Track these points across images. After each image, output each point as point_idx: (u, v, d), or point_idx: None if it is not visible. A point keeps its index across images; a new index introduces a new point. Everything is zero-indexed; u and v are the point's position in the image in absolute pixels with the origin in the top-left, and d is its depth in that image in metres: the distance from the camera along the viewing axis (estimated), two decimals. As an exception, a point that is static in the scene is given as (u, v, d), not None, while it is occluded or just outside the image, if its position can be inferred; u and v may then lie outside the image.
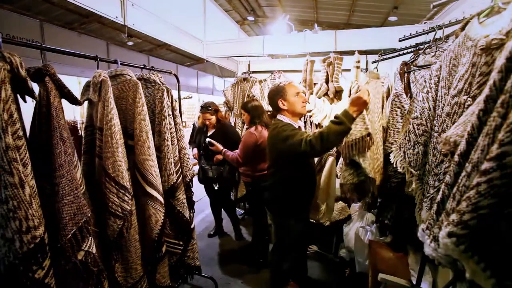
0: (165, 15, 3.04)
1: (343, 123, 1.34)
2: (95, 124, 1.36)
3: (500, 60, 0.56)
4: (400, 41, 1.73)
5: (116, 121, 1.29)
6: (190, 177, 1.75)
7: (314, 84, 2.81)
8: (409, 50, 1.78)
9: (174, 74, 1.99)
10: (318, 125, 2.91)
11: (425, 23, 2.24)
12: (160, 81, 1.58)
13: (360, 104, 1.36)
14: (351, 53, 3.00)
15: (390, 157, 1.24)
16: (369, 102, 1.40)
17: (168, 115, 1.56)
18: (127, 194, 1.30)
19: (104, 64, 1.47)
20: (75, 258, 1.03)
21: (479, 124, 0.59)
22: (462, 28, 0.96)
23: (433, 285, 1.33)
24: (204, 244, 2.81)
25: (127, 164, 1.36)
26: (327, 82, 2.58)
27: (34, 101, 1.02)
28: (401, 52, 1.82)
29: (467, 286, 0.70)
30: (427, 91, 1.06)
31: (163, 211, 1.47)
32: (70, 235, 1.01)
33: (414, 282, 1.27)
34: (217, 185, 2.77)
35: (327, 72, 2.57)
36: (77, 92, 1.18)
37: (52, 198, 1.02)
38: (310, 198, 1.79)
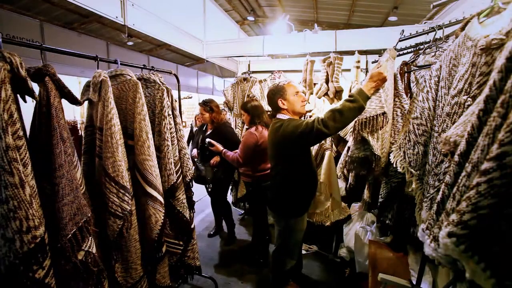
0: (165, 15, 3.05)
1: (356, 101, 1.33)
2: (95, 124, 1.37)
3: (500, 60, 0.56)
4: (400, 41, 1.73)
5: (116, 121, 1.29)
6: (190, 177, 1.75)
7: (314, 84, 2.81)
8: (409, 50, 1.78)
9: (174, 74, 1.99)
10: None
11: (425, 23, 2.24)
12: (160, 81, 1.58)
13: (380, 80, 1.35)
14: (351, 53, 3.00)
15: (390, 157, 1.24)
16: (388, 79, 1.38)
17: (168, 115, 1.56)
18: (127, 194, 1.30)
19: (104, 64, 1.47)
20: (75, 258, 1.03)
21: (479, 124, 0.59)
22: (462, 28, 0.96)
23: (433, 285, 1.34)
24: (204, 244, 2.81)
25: (127, 164, 1.36)
26: (327, 82, 2.58)
27: (34, 101, 1.02)
28: (401, 52, 1.82)
29: (467, 286, 0.70)
30: (427, 91, 1.06)
31: (163, 211, 1.47)
32: (70, 235, 1.01)
33: (414, 282, 1.27)
34: (210, 186, 2.77)
35: (327, 72, 2.57)
36: (77, 92, 1.18)
37: (52, 198, 1.02)
38: (312, 196, 1.79)
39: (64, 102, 1.09)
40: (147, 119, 1.41)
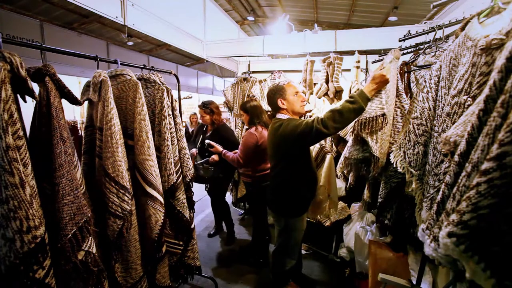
0: (165, 15, 3.05)
1: (357, 102, 1.33)
2: (95, 124, 1.36)
3: (500, 60, 0.56)
4: (400, 41, 1.73)
5: (116, 121, 1.29)
6: (190, 177, 1.75)
7: (314, 84, 2.81)
8: (409, 50, 1.78)
9: (174, 74, 1.99)
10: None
11: (425, 23, 2.24)
12: (160, 81, 1.58)
13: (382, 82, 1.35)
14: (351, 53, 3.01)
15: (390, 157, 1.24)
16: (390, 81, 1.38)
17: (168, 115, 1.56)
18: (127, 194, 1.30)
19: (104, 64, 1.47)
20: (75, 258, 1.03)
21: (479, 124, 0.59)
22: (462, 28, 0.96)
23: (433, 285, 1.34)
24: (204, 244, 2.81)
25: (127, 164, 1.36)
26: (327, 82, 2.58)
27: (34, 101, 1.02)
28: (401, 52, 1.81)
29: (467, 286, 0.71)
30: (427, 91, 1.06)
31: (163, 211, 1.47)
32: (70, 235, 1.01)
33: (414, 282, 1.27)
34: (207, 186, 2.77)
35: (327, 72, 2.57)
36: (77, 92, 1.18)
37: (52, 198, 1.01)
38: (312, 195, 1.79)
39: (64, 102, 1.09)
40: (147, 119, 1.41)
